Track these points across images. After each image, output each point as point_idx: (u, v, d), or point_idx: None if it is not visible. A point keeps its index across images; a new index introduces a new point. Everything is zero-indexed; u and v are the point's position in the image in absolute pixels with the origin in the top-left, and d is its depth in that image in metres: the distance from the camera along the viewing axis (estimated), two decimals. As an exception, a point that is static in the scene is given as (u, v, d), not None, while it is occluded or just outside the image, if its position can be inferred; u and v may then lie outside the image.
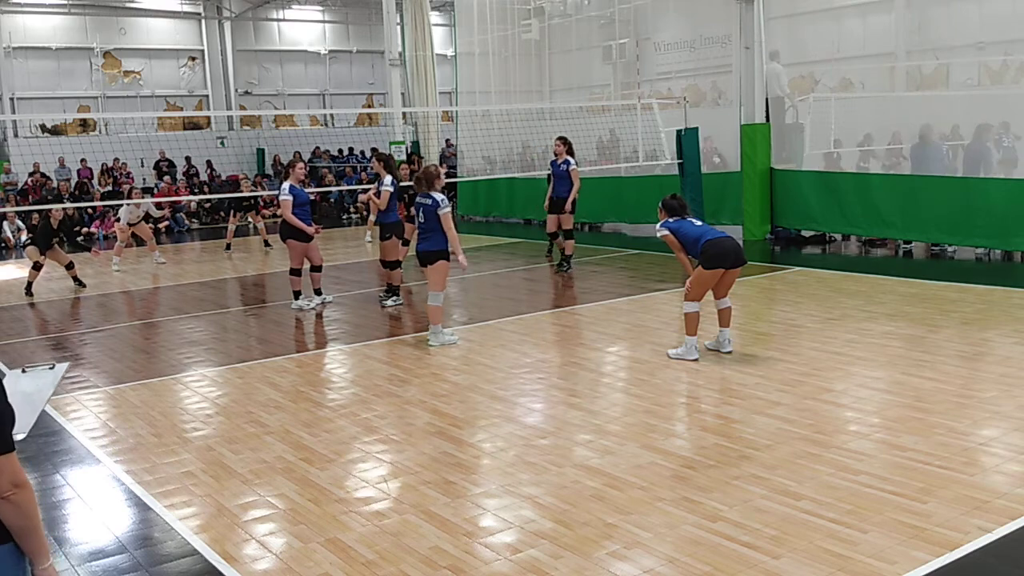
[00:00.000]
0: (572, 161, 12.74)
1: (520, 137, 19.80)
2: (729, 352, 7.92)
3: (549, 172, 13.22)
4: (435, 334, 8.88)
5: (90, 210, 22.21)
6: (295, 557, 4.46)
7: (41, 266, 13.45)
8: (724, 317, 7.99)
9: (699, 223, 8.03)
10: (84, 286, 13.76)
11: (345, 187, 23.70)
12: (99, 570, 4.49)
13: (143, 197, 17.87)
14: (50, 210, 13.73)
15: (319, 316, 10.76)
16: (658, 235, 8.09)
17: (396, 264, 11.14)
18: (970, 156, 13.15)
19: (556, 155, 12.86)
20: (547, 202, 13.07)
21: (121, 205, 17.91)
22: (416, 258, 9.08)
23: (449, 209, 8.73)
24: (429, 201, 8.75)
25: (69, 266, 13.83)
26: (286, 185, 10.84)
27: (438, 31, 28.02)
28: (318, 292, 11.34)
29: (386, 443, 6.13)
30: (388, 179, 10.86)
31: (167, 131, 27.92)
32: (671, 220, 7.99)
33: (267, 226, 19.60)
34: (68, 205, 20.80)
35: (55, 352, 9.43)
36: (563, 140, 12.93)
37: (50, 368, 3.18)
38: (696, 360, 7.74)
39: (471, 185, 21.56)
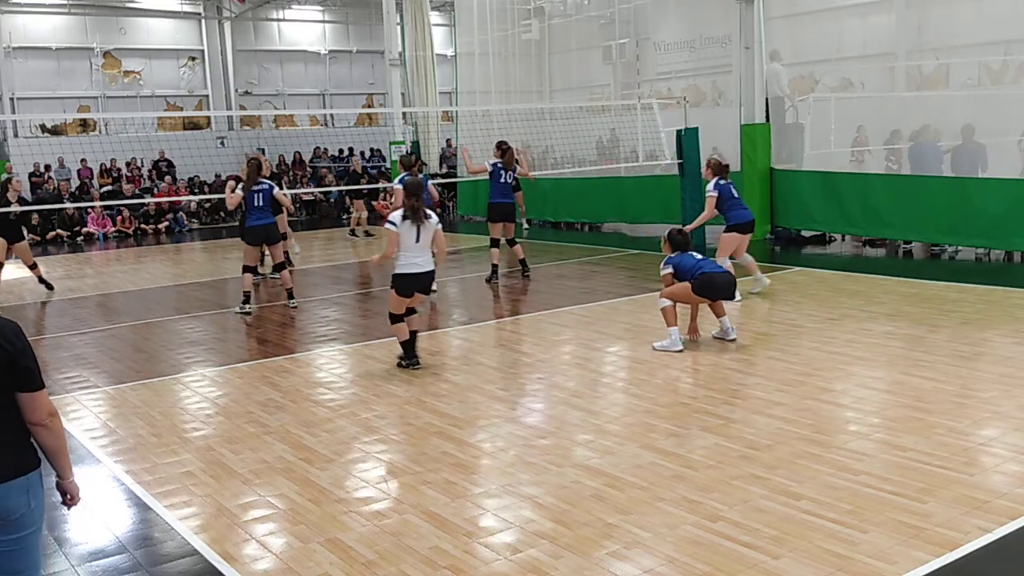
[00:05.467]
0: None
1: (520, 137, 19.79)
2: (734, 340, 8.22)
3: (500, 179, 12.55)
4: (757, 280, 10.52)
5: (89, 210, 22.22)
6: (295, 557, 4.46)
7: (1, 266, 12.79)
8: (717, 309, 8.29)
9: (699, 257, 8.33)
10: (52, 288, 13.26)
11: (344, 187, 23.70)
12: (99, 570, 4.49)
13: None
14: (8, 180, 13.17)
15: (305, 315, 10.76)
16: (662, 273, 8.41)
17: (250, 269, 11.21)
18: (960, 157, 13.16)
19: (516, 163, 12.51)
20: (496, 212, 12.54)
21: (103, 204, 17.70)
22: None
23: (716, 194, 10.33)
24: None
25: (33, 266, 13.24)
26: (399, 178, 11.29)
27: (438, 31, 28.01)
28: None
29: (386, 443, 6.13)
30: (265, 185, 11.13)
31: (167, 131, 27.91)
32: (674, 256, 8.31)
33: None
34: (68, 205, 20.89)
35: (56, 352, 9.43)
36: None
37: None
38: (680, 351, 7.98)
39: (471, 185, 21.55)
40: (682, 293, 8.16)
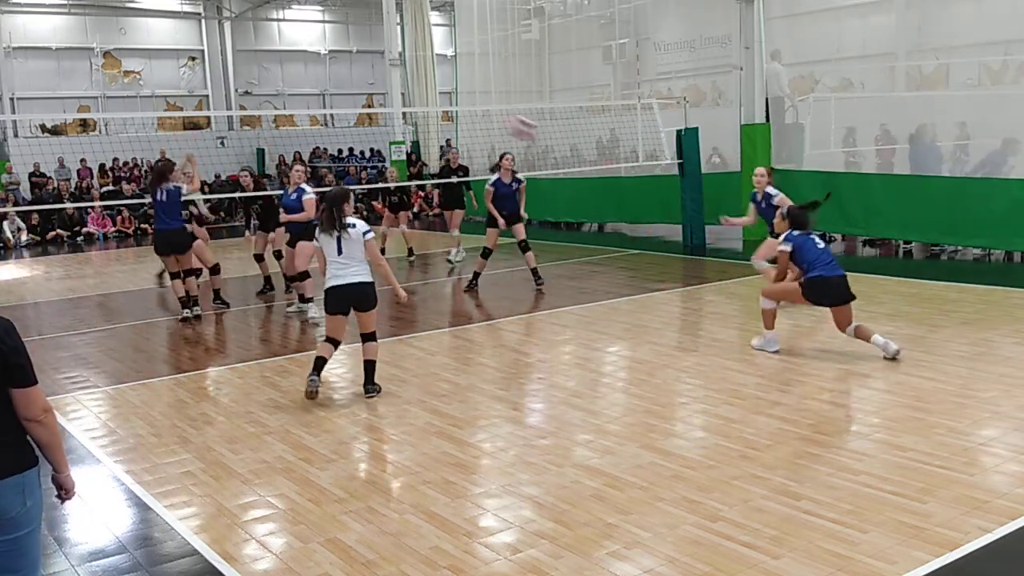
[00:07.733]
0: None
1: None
2: (896, 352, 7.40)
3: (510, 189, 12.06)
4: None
5: (89, 210, 22.24)
6: (295, 557, 4.46)
7: (219, 269, 11.54)
8: (862, 334, 7.54)
9: (821, 246, 7.72)
10: (228, 305, 11.56)
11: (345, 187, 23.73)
12: (99, 570, 4.49)
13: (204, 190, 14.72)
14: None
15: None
16: (779, 248, 7.76)
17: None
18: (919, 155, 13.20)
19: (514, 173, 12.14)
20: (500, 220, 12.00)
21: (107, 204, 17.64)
22: None
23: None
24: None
25: (214, 270, 11.44)
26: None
27: (438, 31, 28.04)
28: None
29: (386, 443, 6.13)
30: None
31: (167, 131, 27.93)
32: (796, 233, 7.70)
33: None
34: (68, 205, 20.89)
35: (56, 352, 9.42)
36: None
37: None
38: (777, 352, 7.79)
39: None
40: (790, 294, 7.71)
